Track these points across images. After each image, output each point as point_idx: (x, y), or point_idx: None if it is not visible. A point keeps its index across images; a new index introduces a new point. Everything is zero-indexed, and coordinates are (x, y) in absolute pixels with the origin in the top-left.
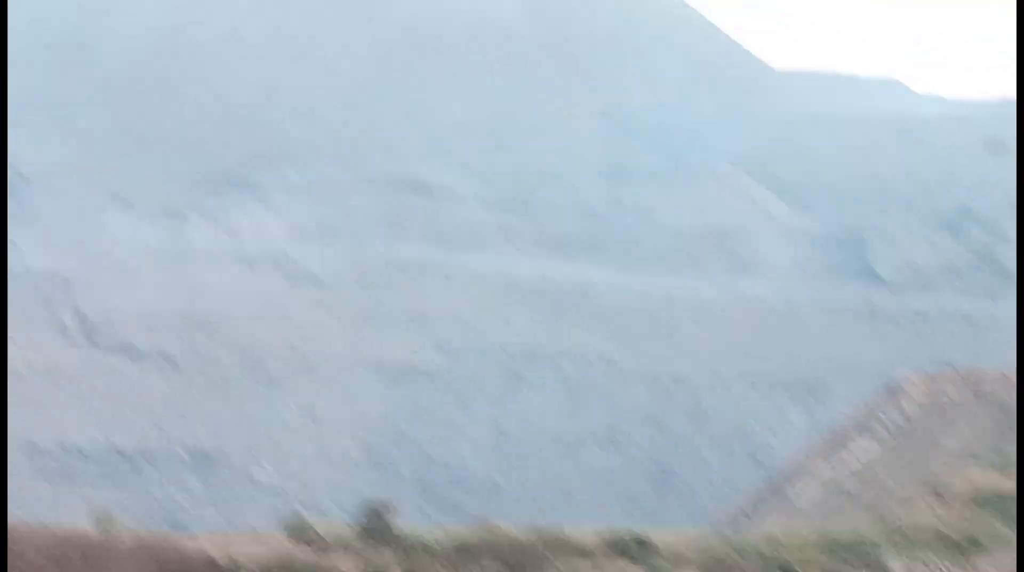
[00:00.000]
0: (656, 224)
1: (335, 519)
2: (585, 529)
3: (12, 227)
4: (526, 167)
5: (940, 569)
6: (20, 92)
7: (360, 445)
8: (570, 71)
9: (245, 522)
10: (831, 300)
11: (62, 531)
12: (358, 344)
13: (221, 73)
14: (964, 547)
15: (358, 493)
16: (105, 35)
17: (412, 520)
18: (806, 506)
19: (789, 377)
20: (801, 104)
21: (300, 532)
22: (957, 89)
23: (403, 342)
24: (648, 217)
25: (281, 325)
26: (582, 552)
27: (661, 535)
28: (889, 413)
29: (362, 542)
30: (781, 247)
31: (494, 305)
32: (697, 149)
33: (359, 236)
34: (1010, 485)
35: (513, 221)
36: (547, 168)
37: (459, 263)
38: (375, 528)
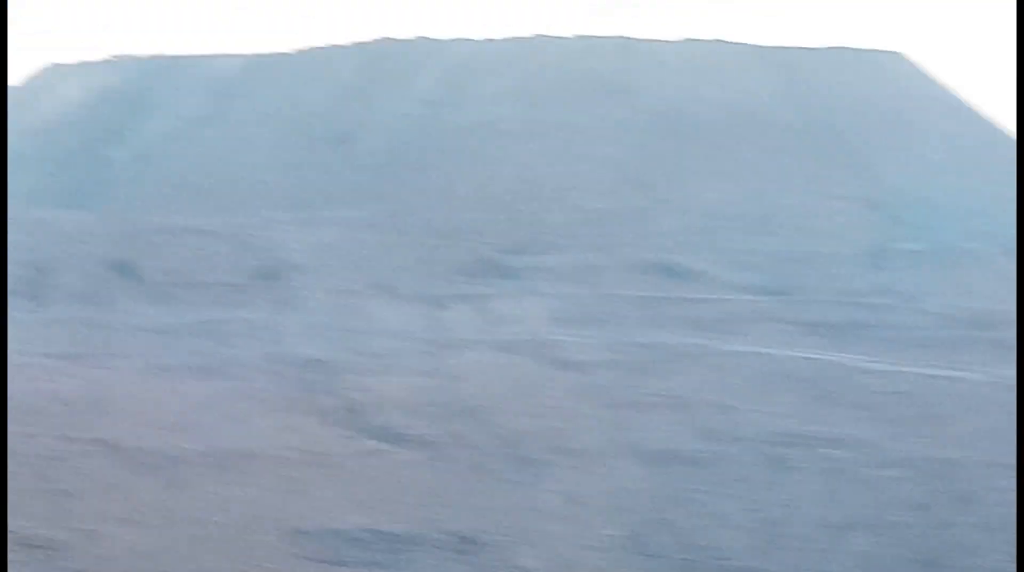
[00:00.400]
0: (919, 309)
1: None
2: None
3: (279, 314)
4: (786, 252)
5: None
6: (292, 183)
7: (622, 531)
8: (830, 156)
9: None
10: None
11: None
12: (619, 430)
13: (479, 160)
14: None
15: None
16: (364, 124)
17: None
18: None
19: None
20: None
21: None
22: None
23: (664, 428)
24: (911, 302)
25: (541, 410)
26: None
27: None
28: None
29: None
30: None
31: (755, 390)
32: (960, 233)
33: (618, 322)
34: None
35: (773, 306)
36: (808, 253)
37: (719, 348)
38: None
